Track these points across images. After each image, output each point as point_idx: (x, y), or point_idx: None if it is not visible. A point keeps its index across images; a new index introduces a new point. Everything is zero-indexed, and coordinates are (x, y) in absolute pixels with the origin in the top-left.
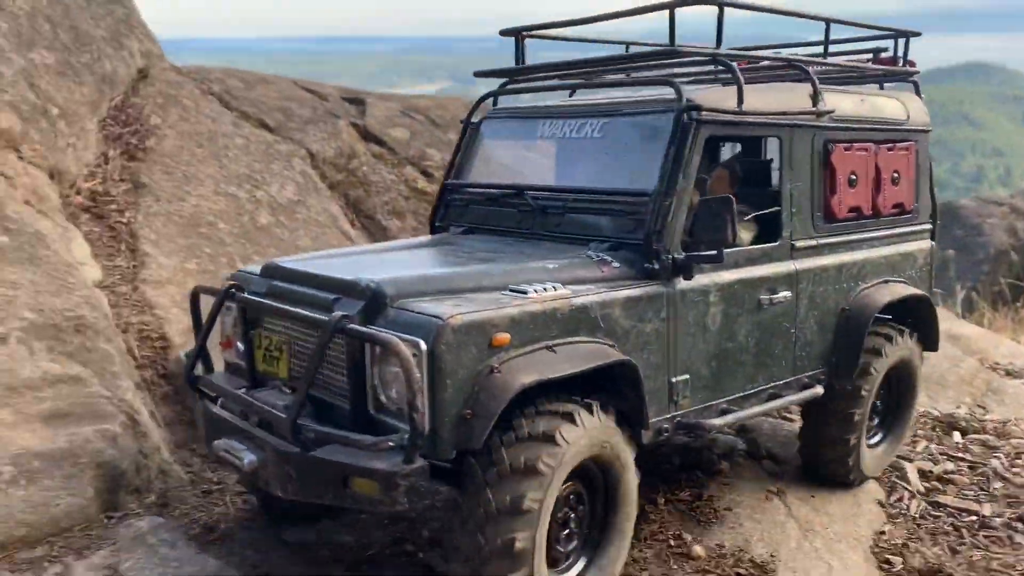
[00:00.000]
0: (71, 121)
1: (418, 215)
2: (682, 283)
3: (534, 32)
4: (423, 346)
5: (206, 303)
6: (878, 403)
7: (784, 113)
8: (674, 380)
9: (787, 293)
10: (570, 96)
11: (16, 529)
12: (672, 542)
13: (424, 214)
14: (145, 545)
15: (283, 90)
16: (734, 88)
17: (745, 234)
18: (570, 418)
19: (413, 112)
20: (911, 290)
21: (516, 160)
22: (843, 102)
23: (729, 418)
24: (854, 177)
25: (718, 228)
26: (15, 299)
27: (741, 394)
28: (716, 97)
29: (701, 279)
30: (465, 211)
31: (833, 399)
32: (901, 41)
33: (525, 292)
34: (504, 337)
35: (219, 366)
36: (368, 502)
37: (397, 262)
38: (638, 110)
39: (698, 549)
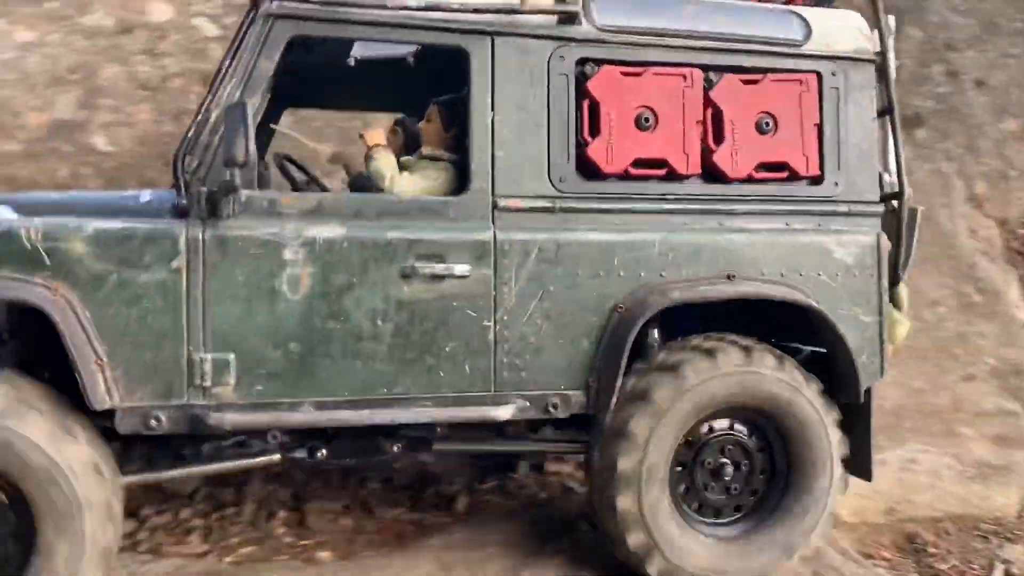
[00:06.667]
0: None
1: None
2: (227, 225)
3: None
4: None
5: None
6: (728, 468)
7: (447, 9)
8: (200, 357)
9: (468, 268)
10: None
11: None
12: None
13: None
14: None
15: None
16: None
17: (420, 182)
18: None
19: None
20: (776, 290)
21: None
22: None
23: (290, 416)
24: (647, 116)
25: (228, 145)
26: (983, 347)
27: (366, 397)
28: None
29: (267, 225)
30: None
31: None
32: None
33: None
34: None
35: None
36: None
37: None
38: None
39: None
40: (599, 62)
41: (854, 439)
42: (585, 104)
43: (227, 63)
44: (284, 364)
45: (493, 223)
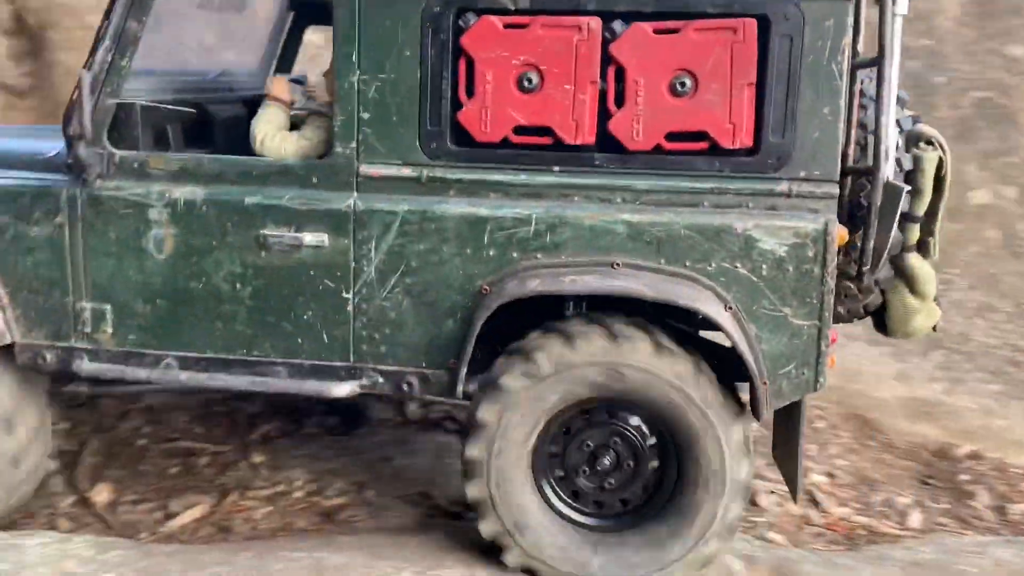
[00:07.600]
0: None
1: None
2: (101, 185)
3: None
4: None
5: None
6: (605, 460)
7: None
8: (81, 306)
9: (325, 238)
10: None
11: None
12: None
13: None
14: None
15: None
16: None
17: (297, 142)
18: None
19: None
20: (654, 287)
21: None
22: None
23: (137, 371)
24: (531, 75)
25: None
26: None
27: (225, 356)
28: None
29: (136, 186)
30: None
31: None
32: None
33: None
34: None
35: None
36: None
37: None
38: None
39: None
40: (481, 12)
41: (786, 454)
42: (462, 62)
43: (102, 25)
44: (153, 318)
45: (356, 191)
